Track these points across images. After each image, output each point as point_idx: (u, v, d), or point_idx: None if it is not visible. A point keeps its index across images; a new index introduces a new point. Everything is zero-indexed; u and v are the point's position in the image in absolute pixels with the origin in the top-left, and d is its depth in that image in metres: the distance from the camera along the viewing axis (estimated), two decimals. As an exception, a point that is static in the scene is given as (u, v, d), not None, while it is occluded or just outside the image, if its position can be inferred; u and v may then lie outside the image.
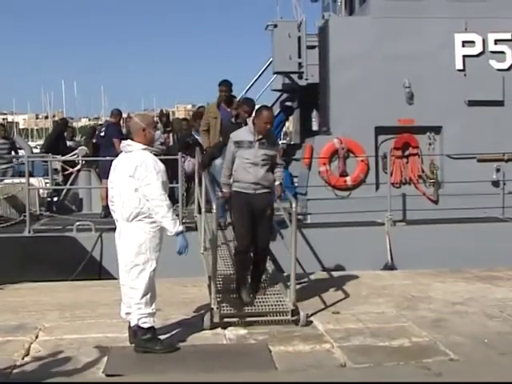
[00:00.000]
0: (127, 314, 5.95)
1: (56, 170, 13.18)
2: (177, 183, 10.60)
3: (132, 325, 5.92)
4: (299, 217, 10.14)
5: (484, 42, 11.85)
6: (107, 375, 5.38)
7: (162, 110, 16.42)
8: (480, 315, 7.06)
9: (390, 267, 10.41)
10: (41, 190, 12.04)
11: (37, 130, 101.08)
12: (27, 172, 10.97)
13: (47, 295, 8.16)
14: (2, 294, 8.30)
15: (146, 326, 5.81)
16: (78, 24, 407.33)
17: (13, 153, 14.22)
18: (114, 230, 6.08)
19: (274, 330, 6.47)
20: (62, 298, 7.94)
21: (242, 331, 6.47)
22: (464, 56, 11.84)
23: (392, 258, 10.57)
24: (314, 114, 14.86)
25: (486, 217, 11.24)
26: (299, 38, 12.79)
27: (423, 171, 11.92)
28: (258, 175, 6.86)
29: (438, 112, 11.71)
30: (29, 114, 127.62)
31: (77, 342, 6.11)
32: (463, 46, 11.84)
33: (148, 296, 5.78)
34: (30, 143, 28.45)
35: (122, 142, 6.10)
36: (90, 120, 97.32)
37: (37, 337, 6.32)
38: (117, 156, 6.14)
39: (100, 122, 41.11)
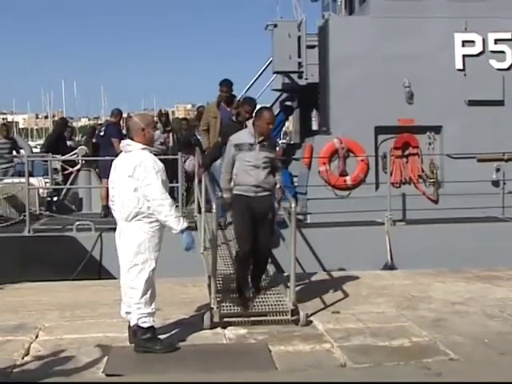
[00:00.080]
0: (127, 313, 5.95)
1: (56, 169, 13.17)
2: (177, 183, 10.60)
3: (132, 324, 5.92)
4: (299, 216, 10.17)
5: (484, 41, 11.86)
6: (107, 375, 5.37)
7: (160, 110, 16.38)
8: (480, 315, 7.05)
9: (389, 267, 10.40)
10: (41, 190, 12.03)
11: (37, 129, 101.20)
12: (27, 172, 10.96)
13: (47, 295, 8.15)
14: (2, 294, 8.29)
15: (145, 325, 5.81)
16: (77, 24, 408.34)
17: (14, 152, 14.20)
18: (113, 229, 6.07)
19: (274, 330, 6.47)
20: (61, 298, 7.93)
21: (242, 331, 6.46)
22: (464, 56, 11.85)
23: (392, 258, 10.57)
24: (314, 113, 14.86)
25: (485, 216, 11.24)
26: (299, 38, 12.79)
27: (423, 171, 11.93)
28: (260, 178, 6.76)
29: (438, 112, 11.72)
30: (29, 113, 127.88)
31: (77, 342, 6.10)
32: (463, 45, 11.84)
33: (147, 296, 5.78)
34: (30, 143, 28.47)
35: (122, 141, 6.12)
36: (89, 120, 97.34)
37: (37, 336, 6.32)
38: (116, 156, 6.15)
39: (100, 122, 41.04)
